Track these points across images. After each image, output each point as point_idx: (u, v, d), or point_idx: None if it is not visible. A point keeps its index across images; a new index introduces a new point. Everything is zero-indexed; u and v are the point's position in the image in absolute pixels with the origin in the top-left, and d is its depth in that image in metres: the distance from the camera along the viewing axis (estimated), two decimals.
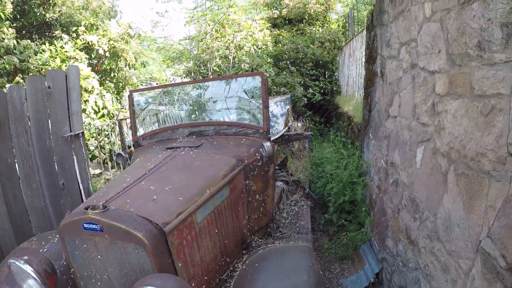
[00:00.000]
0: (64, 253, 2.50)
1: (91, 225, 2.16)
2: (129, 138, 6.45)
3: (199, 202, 2.57)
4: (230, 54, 10.61)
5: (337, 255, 4.89)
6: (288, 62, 10.97)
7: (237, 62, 10.63)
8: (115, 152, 5.34)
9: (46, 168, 4.20)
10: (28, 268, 2.37)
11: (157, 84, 12.49)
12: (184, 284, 1.96)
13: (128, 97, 4.22)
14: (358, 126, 6.23)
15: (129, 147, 4.23)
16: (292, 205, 4.63)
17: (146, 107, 4.32)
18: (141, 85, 10.34)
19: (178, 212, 2.37)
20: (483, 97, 1.99)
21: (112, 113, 7.05)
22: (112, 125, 6.46)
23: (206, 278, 2.56)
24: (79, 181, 4.15)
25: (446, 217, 2.43)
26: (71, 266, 2.48)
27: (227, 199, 2.97)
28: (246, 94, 3.87)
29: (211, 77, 9.50)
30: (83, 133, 3.97)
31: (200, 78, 9.65)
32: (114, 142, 6.66)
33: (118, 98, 8.16)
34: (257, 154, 3.41)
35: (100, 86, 7.29)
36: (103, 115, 7.04)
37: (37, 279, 2.37)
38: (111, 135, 6.52)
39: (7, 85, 5.80)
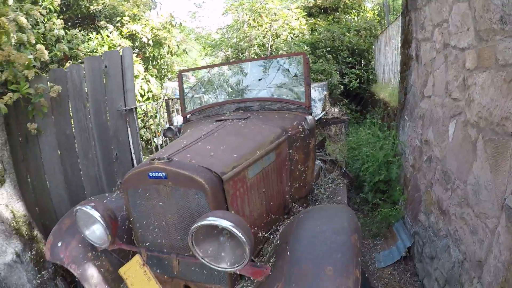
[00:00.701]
0: (125, 204, 2.74)
1: (156, 173, 2.37)
2: (176, 118, 6.80)
3: (251, 160, 2.82)
4: (268, 42, 10.81)
5: (371, 232, 5.08)
6: (324, 50, 11.09)
7: (274, 50, 10.83)
8: (164, 128, 5.64)
9: (101, 140, 4.45)
10: (95, 213, 2.54)
11: (192, 75, 12.76)
12: (242, 219, 2.14)
13: (178, 77, 4.53)
14: (393, 110, 6.44)
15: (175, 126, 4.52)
16: (329, 182, 4.85)
17: (194, 86, 4.67)
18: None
19: (233, 165, 2.59)
20: (506, 66, 2.14)
21: (157, 96, 7.33)
22: (157, 107, 6.77)
23: (252, 231, 2.83)
24: (132, 152, 4.38)
25: (475, 182, 2.56)
26: (130, 216, 2.71)
27: (274, 163, 3.20)
28: (289, 72, 4.13)
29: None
30: (136, 108, 4.25)
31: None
32: (158, 123, 6.97)
33: (161, 83, 8.44)
34: (300, 127, 3.61)
35: (144, 72, 7.57)
36: (148, 98, 7.32)
37: (103, 223, 2.55)
38: (157, 116, 6.84)
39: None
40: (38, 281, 3.68)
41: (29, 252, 3.68)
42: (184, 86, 4.51)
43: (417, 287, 3.96)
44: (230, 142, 2.93)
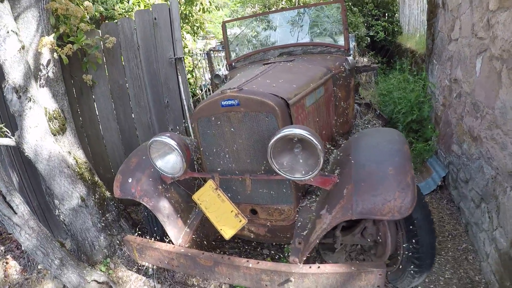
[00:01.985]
0: (195, 135, 2.93)
1: (229, 101, 2.57)
2: (219, 67, 7.03)
3: (308, 90, 3.09)
4: None
5: None
6: (350, 3, 11.12)
7: (301, 4, 10.90)
8: (211, 74, 5.81)
9: (152, 88, 4.58)
10: (172, 142, 2.72)
11: (213, 36, 12.89)
12: (313, 131, 2.32)
13: (222, 27, 4.82)
14: (421, 57, 6.71)
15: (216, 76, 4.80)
16: (365, 123, 5.14)
17: (238, 34, 4.91)
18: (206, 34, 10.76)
19: (295, 93, 2.84)
20: None
21: (192, 51, 7.59)
22: (202, 56, 6.98)
23: None
24: (183, 99, 4.53)
25: (502, 106, 2.79)
26: (200, 146, 2.91)
27: (323, 97, 3.48)
28: (329, 18, 4.44)
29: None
30: (183, 58, 4.54)
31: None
32: (198, 77, 7.21)
33: (195, 39, 8.61)
34: (341, 67, 3.90)
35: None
36: (184, 53, 7.55)
37: (179, 151, 2.74)
38: (198, 67, 7.05)
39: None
40: (103, 224, 3.80)
41: (93, 196, 3.77)
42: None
43: (454, 211, 4.23)
44: (286, 77, 3.11)
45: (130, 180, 3.02)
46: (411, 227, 2.43)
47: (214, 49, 7.72)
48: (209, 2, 8.43)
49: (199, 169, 3.15)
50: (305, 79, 3.18)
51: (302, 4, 10.52)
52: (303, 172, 2.38)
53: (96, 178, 3.98)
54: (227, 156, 2.81)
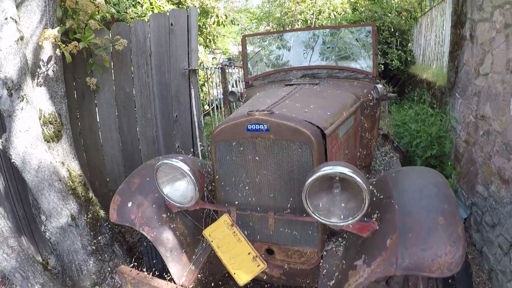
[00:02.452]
0: (211, 160, 2.60)
1: (257, 125, 2.30)
2: (231, 83, 6.67)
3: (341, 118, 2.78)
4: (312, 18, 10.65)
5: None
6: None
7: (317, 26, 10.65)
8: (223, 90, 5.57)
9: (162, 99, 4.30)
10: (184, 167, 2.36)
11: (220, 51, 12.65)
12: (357, 168, 2.08)
13: (242, 41, 4.48)
14: (441, 89, 6.42)
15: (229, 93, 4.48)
16: (383, 155, 4.82)
17: (259, 50, 4.62)
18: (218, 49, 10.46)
19: (330, 122, 2.56)
20: None
21: (204, 64, 7.23)
22: (215, 70, 6.66)
23: None
24: (193, 114, 4.23)
25: None
26: (215, 173, 2.58)
27: (352, 127, 3.18)
28: (358, 42, 4.14)
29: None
30: (197, 70, 4.16)
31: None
32: (207, 92, 6.88)
33: (207, 52, 8.34)
34: (369, 95, 3.66)
35: None
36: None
37: (193, 178, 2.36)
38: (210, 81, 6.73)
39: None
40: (94, 247, 3.45)
41: (85, 215, 3.43)
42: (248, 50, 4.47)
43: (475, 256, 3.95)
44: (316, 102, 2.86)
45: (130, 204, 2.66)
46: (449, 281, 2.21)
47: (230, 62, 7.35)
48: (225, 15, 8.15)
49: (212, 199, 2.79)
50: (338, 106, 2.95)
51: (328, 25, 10.18)
52: (341, 216, 2.08)
53: (91, 195, 3.62)
54: (247, 188, 2.52)
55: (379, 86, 3.64)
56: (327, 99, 3.07)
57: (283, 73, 4.31)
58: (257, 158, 2.41)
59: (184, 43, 4.16)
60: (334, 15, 11.36)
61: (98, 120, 4.33)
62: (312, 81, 3.72)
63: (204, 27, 8.17)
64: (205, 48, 8.43)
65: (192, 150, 4.33)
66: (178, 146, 4.34)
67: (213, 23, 8.07)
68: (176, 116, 4.35)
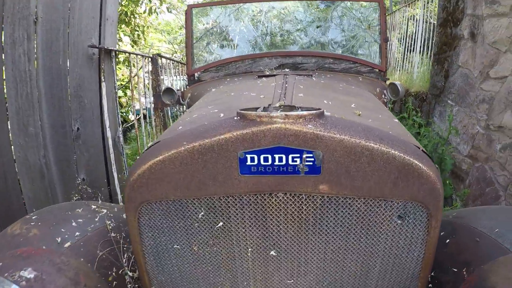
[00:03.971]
0: (133, 237, 1.58)
1: (281, 154, 1.28)
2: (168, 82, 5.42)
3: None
4: None
5: None
6: None
7: None
8: (153, 90, 4.16)
9: (53, 100, 3.25)
10: None
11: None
12: None
13: (186, 14, 3.56)
14: (421, 96, 6.11)
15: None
16: None
17: (210, 30, 3.81)
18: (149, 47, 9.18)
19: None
20: None
21: (129, 60, 5.82)
22: (142, 62, 5.19)
23: None
24: (106, 126, 3.13)
25: None
26: (143, 274, 1.64)
27: None
28: (361, 22, 3.63)
29: None
30: (116, 53, 2.80)
31: None
32: (132, 97, 5.47)
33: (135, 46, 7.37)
34: (383, 96, 3.14)
35: None
36: (118, 62, 5.95)
37: None
38: (135, 85, 5.25)
39: None
40: None
41: None
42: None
43: None
44: (352, 101, 2.09)
45: None
46: None
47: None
48: (160, 1, 7.06)
49: None
50: (385, 112, 2.19)
51: None
52: None
53: None
54: None
55: (398, 83, 3.03)
56: (351, 94, 2.38)
57: (249, 62, 3.41)
58: (273, 252, 1.48)
59: (94, 6, 3.21)
60: None
61: None
62: (299, 73, 2.99)
63: (132, 16, 7.00)
64: (133, 45, 7.34)
65: (107, 186, 3.57)
66: (82, 180, 3.43)
67: (144, 12, 6.98)
68: (78, 129, 3.36)
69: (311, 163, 1.28)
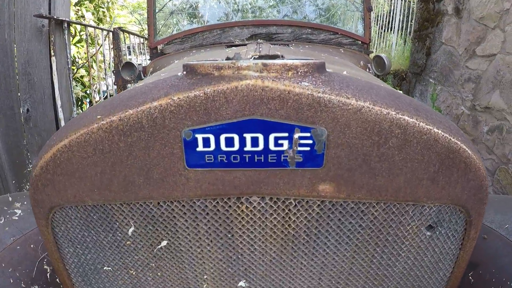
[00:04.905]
0: (50, 253, 1.16)
1: (273, 134, 0.76)
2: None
3: None
4: None
5: None
6: None
7: None
8: (114, 66, 3.83)
9: None
10: None
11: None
12: None
13: None
14: (400, 74, 5.99)
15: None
16: None
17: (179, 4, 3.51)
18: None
19: None
20: None
21: (93, 37, 5.46)
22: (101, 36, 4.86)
23: None
24: (58, 106, 2.89)
25: None
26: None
27: None
28: None
29: None
30: (69, 24, 2.57)
31: None
32: (96, 77, 5.39)
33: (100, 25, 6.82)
34: (368, 70, 2.87)
35: (76, 5, 6.06)
36: (80, 40, 5.68)
37: None
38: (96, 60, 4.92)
39: None
40: None
41: None
42: None
43: None
44: (343, 70, 1.48)
45: None
46: None
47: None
48: None
49: None
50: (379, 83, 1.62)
51: None
52: None
53: None
54: None
55: (384, 55, 2.72)
56: (350, 68, 1.83)
57: (218, 33, 3.06)
58: (242, 283, 1.06)
59: None
60: None
61: None
62: (274, 43, 2.75)
63: None
64: (98, 23, 6.92)
65: None
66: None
67: None
68: (28, 110, 3.11)
69: (307, 148, 0.80)
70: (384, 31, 8.15)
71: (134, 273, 1.11)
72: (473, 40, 3.84)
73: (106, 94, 5.06)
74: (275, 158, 0.80)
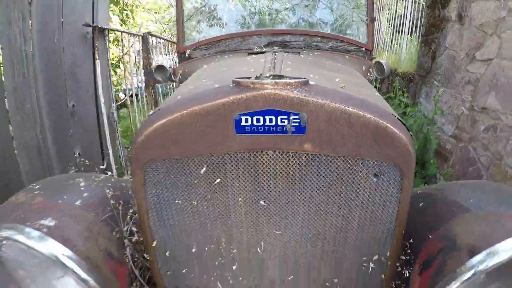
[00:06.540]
0: (137, 204, 1.66)
1: (271, 115, 1.40)
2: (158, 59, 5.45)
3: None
4: None
5: None
6: None
7: None
8: (144, 67, 4.13)
9: (48, 79, 3.25)
10: (59, 250, 1.37)
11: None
12: None
13: None
14: (408, 76, 6.26)
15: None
16: None
17: (202, 7, 3.73)
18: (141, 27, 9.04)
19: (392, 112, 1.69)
20: None
21: (120, 39, 5.78)
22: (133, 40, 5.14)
23: None
24: (101, 103, 3.12)
25: None
26: (148, 237, 1.71)
27: None
28: (349, 2, 3.61)
29: None
30: (109, 32, 2.82)
31: None
32: (123, 76, 5.45)
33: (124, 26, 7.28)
34: (369, 74, 3.18)
35: None
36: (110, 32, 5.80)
37: (84, 276, 1.38)
38: (126, 63, 5.24)
39: None
40: None
41: None
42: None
43: None
44: (336, 77, 2.08)
45: None
46: None
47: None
48: None
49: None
50: (368, 85, 2.32)
51: None
52: None
53: None
54: (232, 266, 1.71)
55: (383, 61, 3.09)
56: (339, 71, 2.38)
57: (239, 40, 3.47)
58: (262, 202, 1.57)
59: None
60: None
61: None
62: (288, 51, 3.10)
63: None
64: (122, 24, 7.29)
65: (102, 160, 3.53)
66: (78, 154, 3.46)
67: None
68: (73, 106, 3.38)
69: (297, 124, 1.43)
70: (398, 33, 8.28)
71: (195, 203, 1.64)
72: (473, 46, 3.99)
73: (131, 92, 5.33)
74: (281, 129, 1.41)
